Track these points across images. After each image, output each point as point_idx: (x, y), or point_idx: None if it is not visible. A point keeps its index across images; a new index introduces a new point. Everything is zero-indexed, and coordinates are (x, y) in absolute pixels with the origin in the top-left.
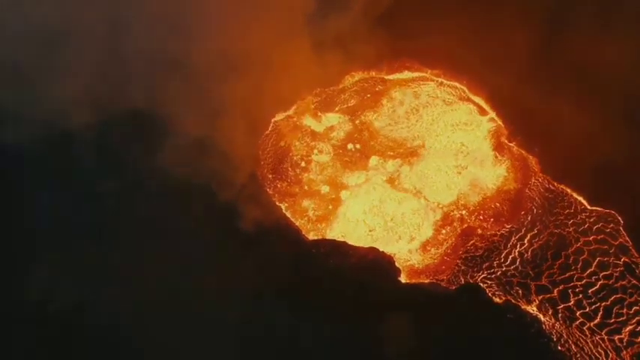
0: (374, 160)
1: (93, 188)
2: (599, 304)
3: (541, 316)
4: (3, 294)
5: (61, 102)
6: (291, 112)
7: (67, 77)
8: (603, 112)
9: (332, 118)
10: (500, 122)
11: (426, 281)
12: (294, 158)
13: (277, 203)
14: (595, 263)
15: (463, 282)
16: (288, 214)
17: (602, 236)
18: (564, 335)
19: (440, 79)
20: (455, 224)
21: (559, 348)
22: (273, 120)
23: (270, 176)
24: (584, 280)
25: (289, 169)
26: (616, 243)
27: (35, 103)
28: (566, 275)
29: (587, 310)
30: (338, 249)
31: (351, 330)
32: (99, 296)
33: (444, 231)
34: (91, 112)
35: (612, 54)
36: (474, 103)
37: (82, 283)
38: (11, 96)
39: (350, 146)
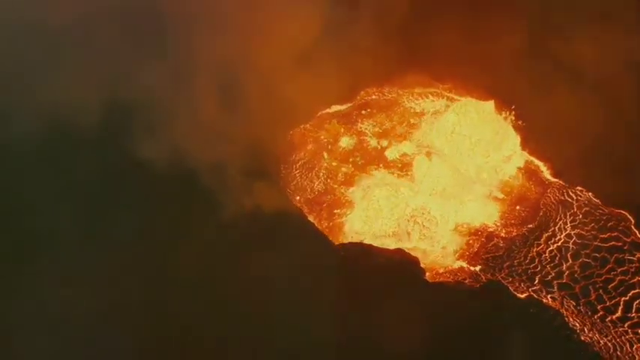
0: (393, 172)
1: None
2: (619, 298)
3: (563, 311)
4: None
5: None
6: (308, 125)
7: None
8: (612, 116)
9: (349, 133)
10: (513, 131)
11: (450, 279)
12: (319, 171)
13: (305, 212)
14: (612, 260)
15: (485, 280)
16: (315, 221)
17: (615, 234)
18: (587, 326)
19: (451, 95)
20: (477, 230)
21: (582, 338)
22: (290, 133)
23: (293, 186)
24: (604, 277)
25: (314, 180)
26: (629, 240)
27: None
28: (587, 272)
29: (608, 304)
30: (366, 251)
31: (380, 325)
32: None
33: (466, 237)
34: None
35: (623, 56)
36: (486, 115)
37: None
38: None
39: (358, 159)
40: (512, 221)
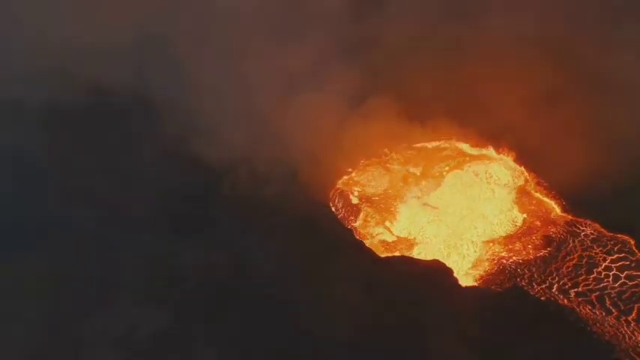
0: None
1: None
2: (632, 304)
3: (579, 310)
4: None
5: None
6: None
7: None
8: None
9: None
10: (527, 175)
11: (479, 286)
12: (367, 208)
13: (355, 233)
14: (623, 276)
15: (509, 285)
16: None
17: (623, 254)
18: (600, 321)
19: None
20: (497, 253)
21: (595, 330)
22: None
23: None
24: (617, 289)
25: (362, 212)
26: (634, 259)
27: None
28: (601, 285)
29: (623, 308)
30: (406, 261)
31: (418, 323)
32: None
33: (493, 256)
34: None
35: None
36: (504, 163)
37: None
38: None
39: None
40: (531, 247)
